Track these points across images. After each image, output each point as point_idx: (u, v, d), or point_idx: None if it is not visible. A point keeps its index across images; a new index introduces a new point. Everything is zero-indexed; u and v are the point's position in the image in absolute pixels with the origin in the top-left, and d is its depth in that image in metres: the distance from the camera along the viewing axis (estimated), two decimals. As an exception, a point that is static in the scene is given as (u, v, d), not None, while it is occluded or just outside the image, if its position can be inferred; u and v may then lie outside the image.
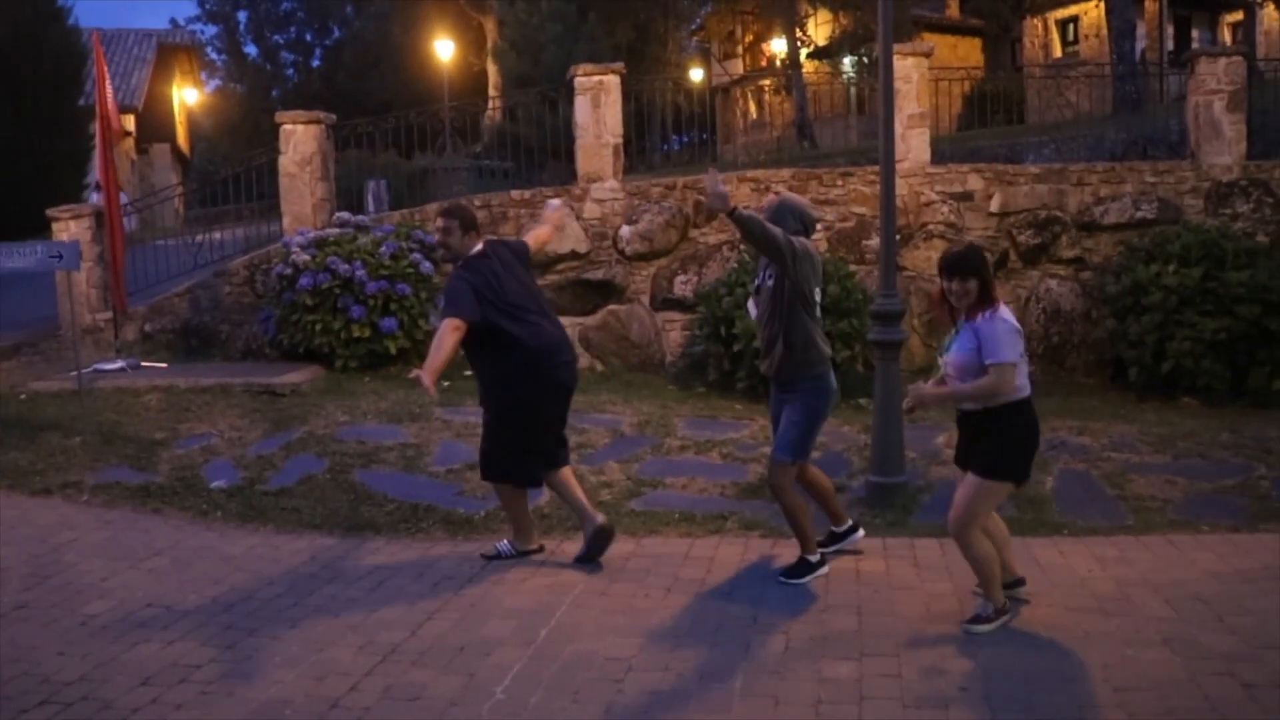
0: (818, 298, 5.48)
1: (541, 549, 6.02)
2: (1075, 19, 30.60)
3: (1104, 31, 24.54)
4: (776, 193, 5.66)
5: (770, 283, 5.40)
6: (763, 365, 5.61)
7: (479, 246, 5.80)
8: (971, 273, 4.64)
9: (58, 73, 22.49)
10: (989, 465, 4.69)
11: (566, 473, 5.93)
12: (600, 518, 5.85)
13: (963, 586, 5.27)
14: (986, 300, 4.64)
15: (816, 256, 5.49)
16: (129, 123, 28.02)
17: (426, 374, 5.26)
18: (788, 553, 5.96)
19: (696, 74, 35.53)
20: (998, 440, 4.68)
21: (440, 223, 5.85)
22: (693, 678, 4.35)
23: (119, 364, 10.20)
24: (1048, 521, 6.42)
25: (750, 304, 5.74)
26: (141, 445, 8.01)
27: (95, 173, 19.22)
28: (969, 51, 32.93)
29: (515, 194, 11.41)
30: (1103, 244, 11.03)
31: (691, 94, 25.13)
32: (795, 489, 5.53)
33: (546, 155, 13.36)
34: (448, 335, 5.43)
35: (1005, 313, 4.67)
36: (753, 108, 31.01)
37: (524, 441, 5.71)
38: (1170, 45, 28.90)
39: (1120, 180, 11.17)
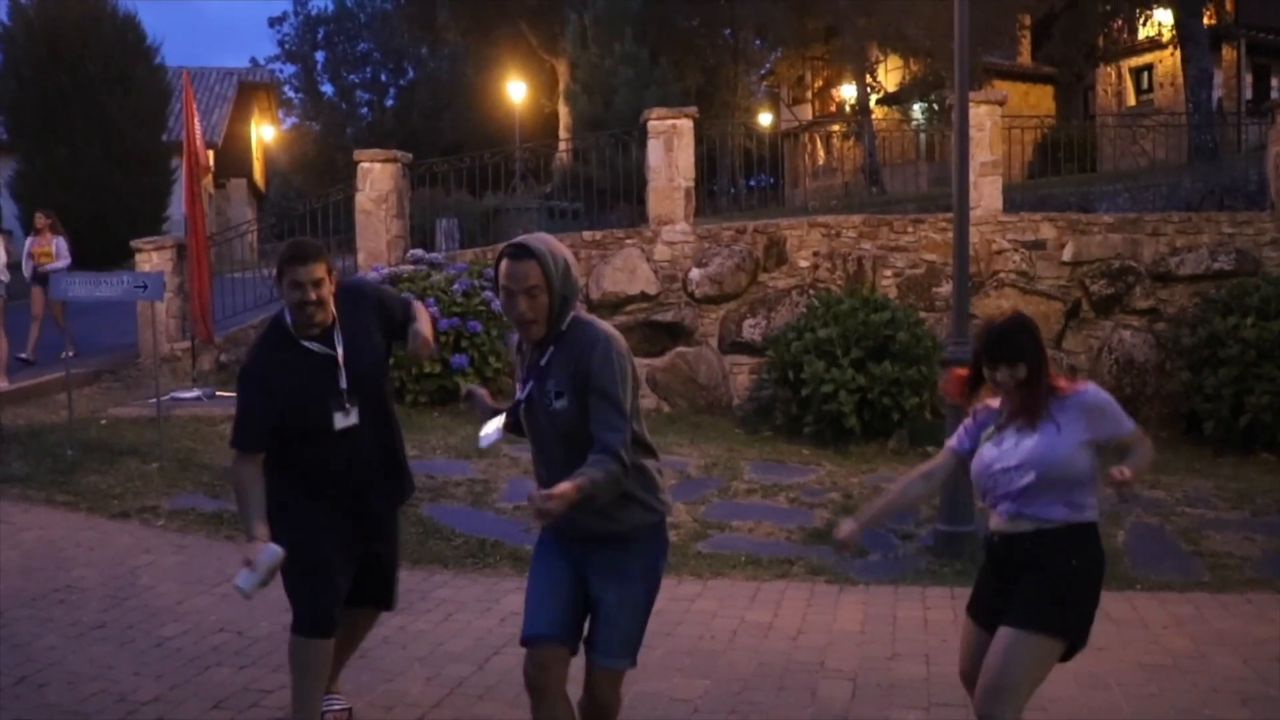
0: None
1: None
2: (1150, 67, 30.28)
3: (1179, 80, 24.32)
4: (531, 236, 3.26)
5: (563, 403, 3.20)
6: (574, 523, 3.15)
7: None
8: (1020, 356, 3.36)
9: (143, 109, 23.17)
10: (1043, 613, 3.26)
11: None
12: None
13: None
14: (1042, 385, 3.39)
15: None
16: (209, 158, 28.79)
17: None
18: (852, 599, 5.93)
19: (765, 118, 35.66)
20: (1057, 577, 3.29)
21: (324, 270, 3.75)
22: (759, 721, 4.33)
23: (195, 393, 10.43)
24: (1120, 575, 6.30)
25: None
26: (216, 473, 8.16)
27: (176, 206, 19.74)
28: (1041, 99, 32.69)
29: (587, 235, 11.55)
30: (1178, 295, 10.88)
31: (760, 138, 25.22)
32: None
33: (616, 197, 13.48)
34: None
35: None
36: (821, 153, 31.03)
37: None
38: (1248, 94, 28.50)
39: (1197, 230, 11.03)
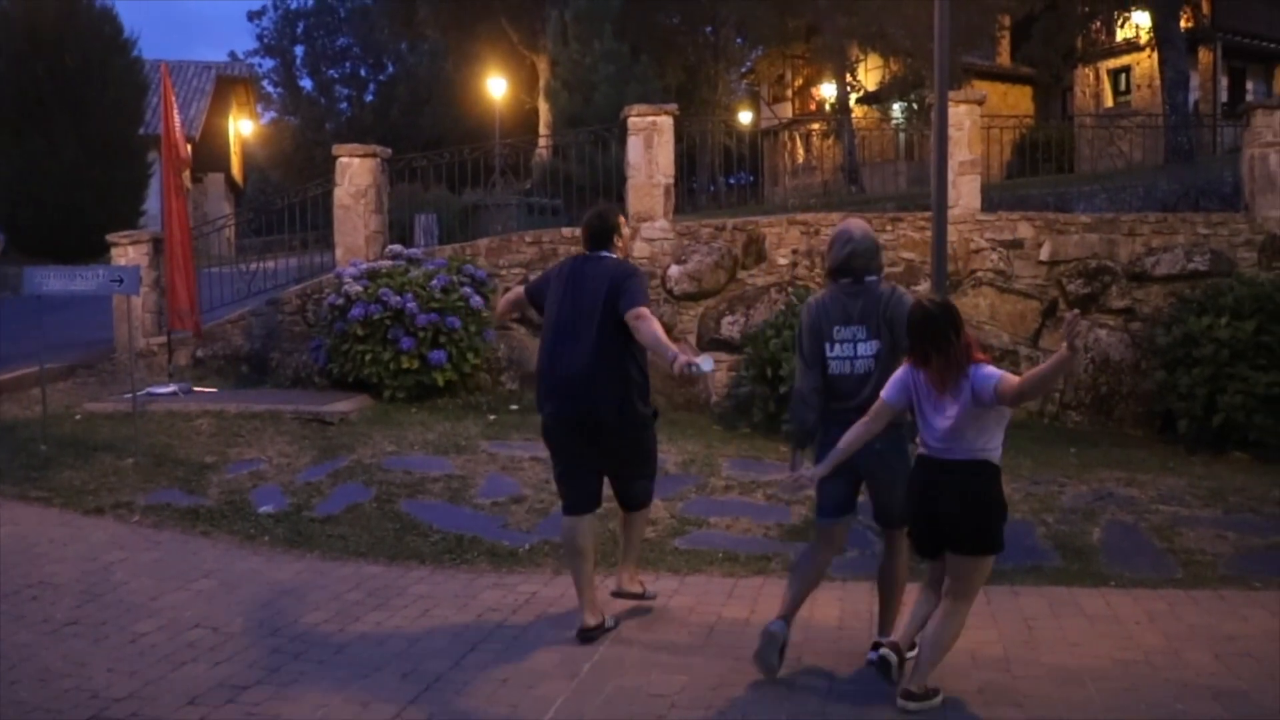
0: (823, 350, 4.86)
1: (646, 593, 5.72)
2: (1128, 69, 30.46)
3: (1156, 82, 24.44)
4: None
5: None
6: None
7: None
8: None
9: (120, 102, 23.04)
10: None
11: (627, 517, 5.63)
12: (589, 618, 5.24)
13: (1008, 634, 5.25)
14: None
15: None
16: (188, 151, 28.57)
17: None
18: (829, 595, 5.94)
19: (745, 116, 35.68)
20: None
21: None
22: (735, 717, 4.34)
23: (171, 388, 10.37)
24: (1094, 572, 6.36)
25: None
26: (192, 469, 8.12)
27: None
28: (1019, 99, 32.85)
29: (566, 231, 11.52)
30: (1153, 295, 10.95)
31: (740, 136, 25.26)
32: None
33: (596, 193, 13.47)
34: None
35: None
36: (801, 151, 31.07)
37: (555, 465, 5.50)
38: (1224, 97, 28.72)
39: (1172, 231, 11.11)
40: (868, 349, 4.76)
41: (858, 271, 4.81)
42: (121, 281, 9.15)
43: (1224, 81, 29.47)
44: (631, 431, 5.35)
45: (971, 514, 4.37)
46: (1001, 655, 4.96)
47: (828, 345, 4.81)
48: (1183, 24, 23.11)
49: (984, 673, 4.79)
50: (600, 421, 5.19)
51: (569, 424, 5.25)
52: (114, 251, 11.87)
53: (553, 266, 5.64)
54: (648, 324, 5.07)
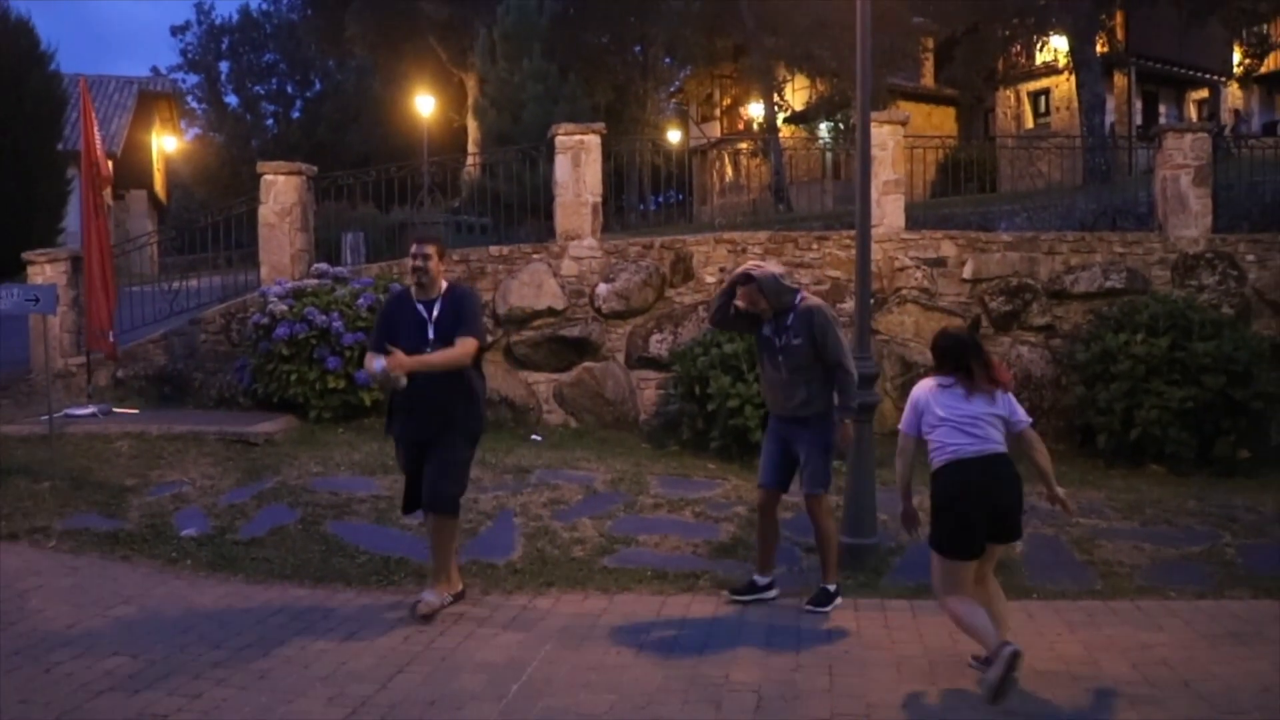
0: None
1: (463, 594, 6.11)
2: (1047, 91, 31.22)
3: (1075, 104, 25.07)
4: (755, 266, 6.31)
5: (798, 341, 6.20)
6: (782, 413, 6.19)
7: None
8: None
9: (37, 117, 22.52)
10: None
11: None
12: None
13: (933, 647, 5.32)
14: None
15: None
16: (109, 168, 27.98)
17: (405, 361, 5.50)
18: (758, 612, 5.99)
19: (674, 135, 35.91)
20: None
21: (429, 249, 5.75)
22: (664, 735, 4.35)
23: (90, 409, 10.13)
24: (1017, 585, 6.47)
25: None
26: (111, 492, 7.94)
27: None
28: (943, 120, 33.47)
29: (494, 249, 11.50)
30: (1073, 312, 11.20)
31: (669, 155, 25.41)
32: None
33: (524, 212, 13.45)
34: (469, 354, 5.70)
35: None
36: (729, 170, 31.34)
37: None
38: (1138, 119, 29.53)
39: (1090, 250, 11.37)
40: None
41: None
42: (37, 300, 8.94)
43: (1138, 104, 30.32)
44: None
45: None
46: (926, 668, 5.03)
47: None
48: (1098, 49, 23.76)
49: (908, 685, 4.85)
50: None
51: None
52: (31, 270, 11.58)
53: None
54: None
